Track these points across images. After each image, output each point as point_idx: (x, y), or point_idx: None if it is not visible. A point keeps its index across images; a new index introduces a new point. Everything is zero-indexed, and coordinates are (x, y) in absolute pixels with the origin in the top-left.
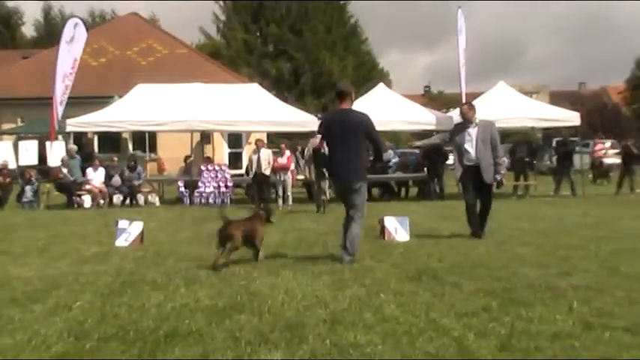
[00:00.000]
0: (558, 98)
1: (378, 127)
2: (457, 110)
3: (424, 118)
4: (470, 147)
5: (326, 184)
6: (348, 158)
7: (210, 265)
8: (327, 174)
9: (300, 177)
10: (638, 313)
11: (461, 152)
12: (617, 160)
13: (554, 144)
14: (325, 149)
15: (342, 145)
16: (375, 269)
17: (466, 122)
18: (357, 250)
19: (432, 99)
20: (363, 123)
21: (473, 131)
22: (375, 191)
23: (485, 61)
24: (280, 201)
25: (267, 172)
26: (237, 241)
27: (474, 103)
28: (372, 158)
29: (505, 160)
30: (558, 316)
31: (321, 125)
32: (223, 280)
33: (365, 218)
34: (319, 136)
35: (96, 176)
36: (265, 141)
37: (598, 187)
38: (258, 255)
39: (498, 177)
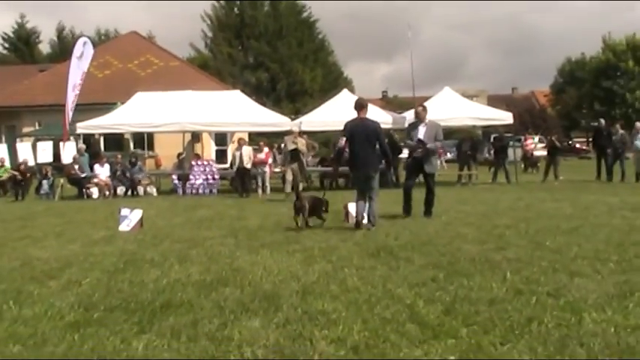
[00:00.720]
0: (495, 101)
1: (341, 127)
2: (410, 111)
3: (382, 119)
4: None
5: (296, 177)
6: (367, 155)
7: (297, 227)
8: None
9: (277, 170)
10: (559, 280)
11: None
12: (544, 153)
13: (491, 139)
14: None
15: (363, 146)
16: (340, 247)
17: (419, 121)
18: (377, 220)
19: (388, 102)
20: (375, 129)
21: (422, 129)
22: (341, 181)
23: (433, 70)
24: (260, 190)
25: (249, 166)
26: (306, 209)
27: (427, 103)
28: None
29: (448, 155)
30: (494, 285)
31: (345, 130)
32: (211, 259)
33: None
34: (344, 138)
35: (102, 171)
36: (247, 139)
37: (528, 176)
38: (323, 222)
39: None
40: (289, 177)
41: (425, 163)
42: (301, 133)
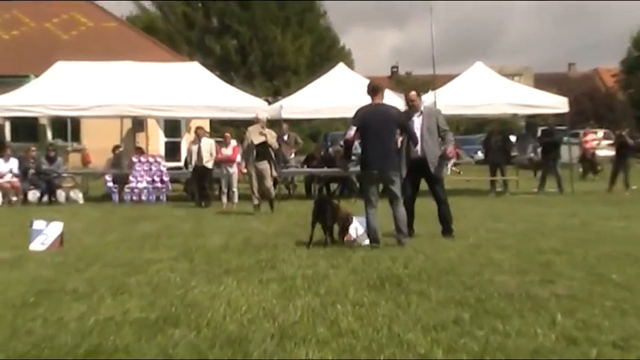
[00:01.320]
0: (544, 81)
1: (334, 114)
2: (429, 95)
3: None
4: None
5: (263, 182)
6: (386, 151)
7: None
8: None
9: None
10: (630, 326)
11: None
12: (611, 153)
13: (538, 134)
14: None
15: (379, 138)
16: (331, 276)
17: (412, 111)
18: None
19: (400, 82)
20: (397, 117)
21: (418, 121)
22: (333, 187)
23: (461, 40)
24: (224, 198)
25: (209, 165)
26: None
27: (447, 86)
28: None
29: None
30: (539, 330)
31: (356, 119)
32: (156, 289)
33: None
34: (353, 128)
35: (7, 168)
36: (207, 129)
37: (588, 184)
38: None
39: (448, 151)
40: (253, 183)
41: (429, 164)
42: (283, 122)
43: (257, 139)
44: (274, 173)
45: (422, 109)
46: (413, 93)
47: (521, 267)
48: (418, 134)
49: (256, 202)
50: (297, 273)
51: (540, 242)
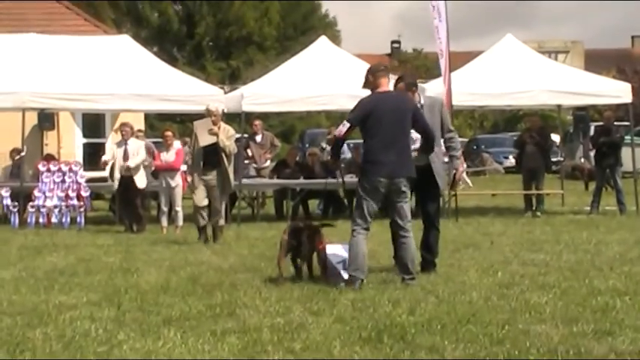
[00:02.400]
0: (599, 61)
1: (314, 106)
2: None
3: None
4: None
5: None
6: (397, 152)
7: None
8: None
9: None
10: None
11: None
12: None
13: (591, 132)
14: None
15: (390, 136)
16: (310, 326)
17: None
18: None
19: (403, 61)
20: (411, 108)
21: None
22: (313, 204)
23: (485, 6)
24: (164, 220)
25: (140, 175)
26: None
27: (467, 67)
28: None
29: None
30: None
31: (355, 110)
32: (70, 346)
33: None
34: (346, 124)
35: None
36: (141, 126)
37: None
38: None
39: (457, 175)
40: (199, 197)
41: (435, 174)
42: (256, 118)
43: (204, 140)
44: (229, 188)
45: (421, 100)
46: (407, 80)
47: (569, 314)
48: (417, 134)
49: (202, 222)
50: (264, 322)
51: (595, 280)
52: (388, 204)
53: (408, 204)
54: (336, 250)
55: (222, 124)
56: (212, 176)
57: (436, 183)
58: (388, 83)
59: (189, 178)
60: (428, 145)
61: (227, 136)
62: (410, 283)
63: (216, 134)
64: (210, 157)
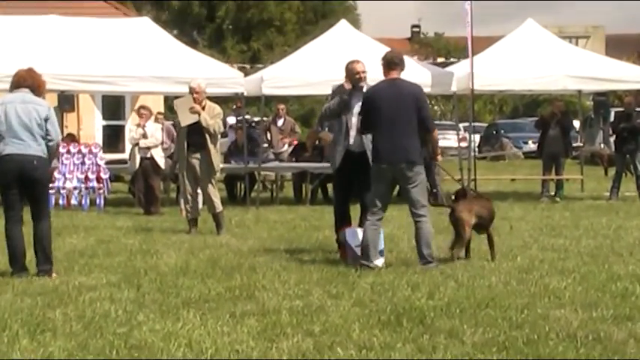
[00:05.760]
0: (620, 46)
1: (326, 91)
2: (464, 63)
3: (413, 76)
4: (354, 126)
5: (206, 184)
6: (399, 138)
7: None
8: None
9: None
10: None
11: (339, 134)
12: None
13: (611, 117)
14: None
15: (396, 123)
16: (330, 309)
17: (357, 90)
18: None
19: (424, 45)
20: (417, 96)
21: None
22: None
23: None
24: (183, 202)
25: (160, 158)
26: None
27: (487, 52)
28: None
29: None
30: None
31: (364, 99)
32: (90, 326)
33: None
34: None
35: None
36: (161, 109)
37: None
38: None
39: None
40: (189, 187)
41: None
42: (279, 104)
43: (185, 119)
44: (214, 172)
45: (364, 89)
46: (360, 64)
47: (588, 298)
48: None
49: (190, 215)
50: (283, 305)
51: (614, 265)
52: (401, 189)
53: (418, 188)
54: (355, 234)
55: (208, 102)
56: (197, 159)
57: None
58: (398, 72)
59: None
60: (424, 131)
61: (212, 114)
62: (426, 267)
63: (198, 112)
64: (195, 138)
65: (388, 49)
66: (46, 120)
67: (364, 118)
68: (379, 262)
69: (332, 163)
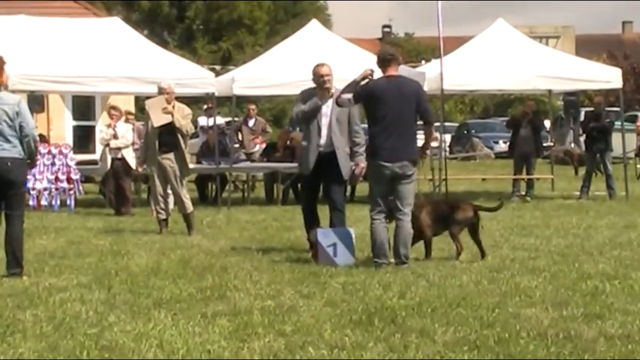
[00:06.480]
0: (589, 46)
1: (297, 91)
2: (433, 64)
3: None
4: (324, 127)
5: (176, 185)
6: (399, 137)
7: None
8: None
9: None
10: None
11: (310, 135)
12: None
13: (581, 117)
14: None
15: (392, 121)
16: (301, 309)
17: (323, 94)
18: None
19: (394, 45)
20: (417, 92)
21: (327, 112)
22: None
23: None
24: (153, 203)
25: (130, 158)
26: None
27: (458, 52)
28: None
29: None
30: None
31: (358, 96)
32: (60, 328)
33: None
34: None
35: None
36: (131, 108)
37: None
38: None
39: (357, 170)
40: (159, 187)
41: (340, 165)
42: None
43: (159, 120)
44: (187, 172)
45: (333, 90)
46: (325, 67)
47: (559, 297)
48: (327, 121)
49: (161, 215)
50: (255, 305)
51: (584, 264)
52: (391, 186)
53: (410, 186)
54: (327, 234)
55: (177, 103)
56: (169, 159)
57: (340, 169)
58: (395, 69)
59: (140, 168)
60: (426, 128)
61: (182, 115)
62: (400, 267)
63: (171, 113)
64: (166, 138)
65: (359, 49)
66: (17, 114)
67: (366, 114)
68: (351, 260)
69: (304, 165)
